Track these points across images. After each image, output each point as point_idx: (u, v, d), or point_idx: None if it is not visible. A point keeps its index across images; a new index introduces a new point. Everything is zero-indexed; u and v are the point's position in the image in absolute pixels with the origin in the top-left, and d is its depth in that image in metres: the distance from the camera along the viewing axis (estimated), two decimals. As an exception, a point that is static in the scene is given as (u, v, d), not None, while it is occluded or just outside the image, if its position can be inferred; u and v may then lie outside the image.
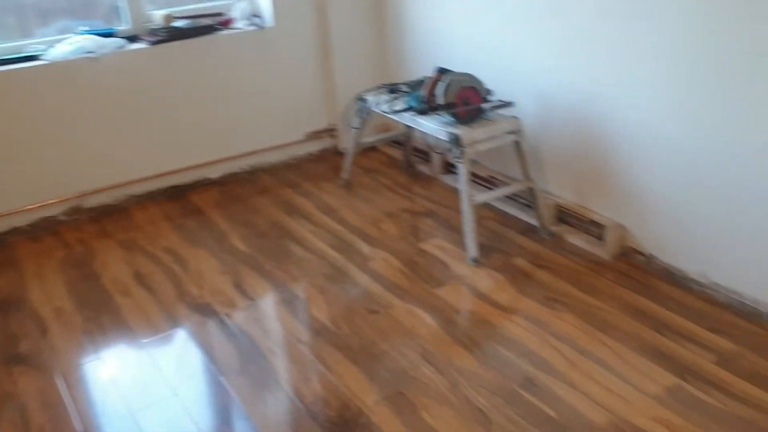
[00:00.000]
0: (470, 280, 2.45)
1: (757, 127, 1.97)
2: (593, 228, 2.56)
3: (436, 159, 3.20)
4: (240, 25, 3.27)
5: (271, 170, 3.43)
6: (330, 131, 3.55)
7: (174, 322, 2.30)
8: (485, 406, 1.87)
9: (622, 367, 1.97)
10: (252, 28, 3.25)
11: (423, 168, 3.31)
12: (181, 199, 3.18)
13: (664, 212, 2.32)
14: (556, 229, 2.68)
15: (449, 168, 3.16)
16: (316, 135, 3.52)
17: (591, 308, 2.24)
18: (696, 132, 2.14)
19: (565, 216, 2.68)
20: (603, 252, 2.50)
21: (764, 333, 2.06)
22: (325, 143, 3.57)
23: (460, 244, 2.63)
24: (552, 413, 1.83)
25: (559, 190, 2.72)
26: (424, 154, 3.30)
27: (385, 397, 1.92)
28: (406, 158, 3.34)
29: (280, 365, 2.08)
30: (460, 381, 1.96)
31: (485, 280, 2.44)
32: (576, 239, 2.61)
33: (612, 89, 2.36)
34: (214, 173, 3.31)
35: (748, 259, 2.11)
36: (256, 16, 3.32)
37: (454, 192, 2.94)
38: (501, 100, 2.59)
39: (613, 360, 2.00)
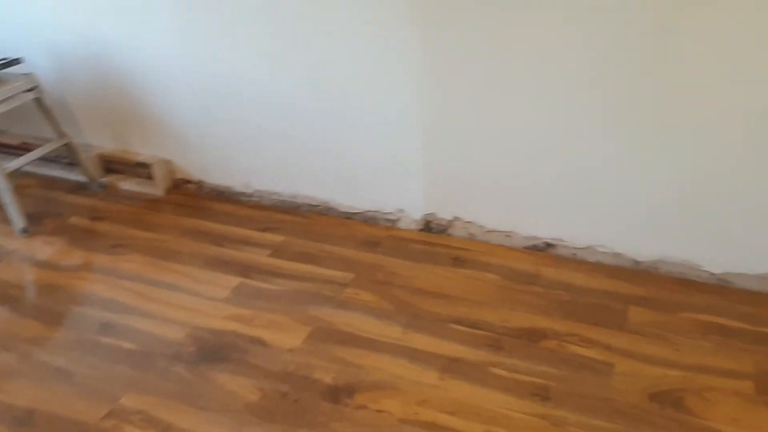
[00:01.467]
0: (25, 251, 2.29)
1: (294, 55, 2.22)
2: (141, 170, 2.60)
3: (-47, 138, 2.84)
4: None
5: None
6: None
7: None
8: (64, 363, 1.81)
9: (192, 284, 2.09)
10: None
11: (-59, 151, 2.91)
12: None
13: (200, 139, 2.47)
14: (106, 179, 2.65)
15: (-27, 144, 2.84)
16: None
17: (155, 243, 2.30)
18: (206, 60, 2.31)
19: (112, 165, 2.66)
20: (156, 189, 2.57)
21: (303, 220, 2.40)
22: None
23: (5, 219, 2.42)
24: (132, 346, 1.86)
25: (99, 140, 2.67)
26: (-62, 136, 2.89)
27: (-55, 395, 1.72)
28: None
29: None
30: (32, 350, 1.86)
31: (42, 247, 2.31)
32: (128, 184, 2.62)
33: (123, 32, 2.37)
34: None
35: (265, 161, 2.40)
36: None
37: (-15, 168, 2.67)
38: (6, 58, 2.40)
39: (183, 281, 2.11)
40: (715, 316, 1.89)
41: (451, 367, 1.76)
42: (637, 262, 2.07)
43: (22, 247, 2.31)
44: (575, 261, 2.13)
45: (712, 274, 1.99)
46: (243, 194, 2.51)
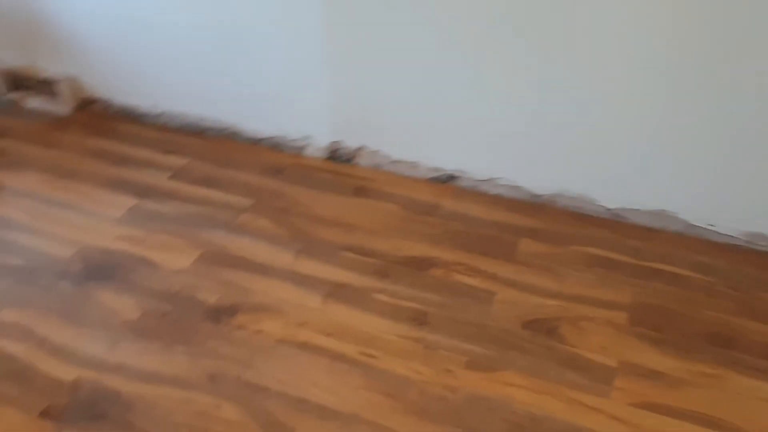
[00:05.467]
0: None
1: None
2: (47, 87, 2.51)
3: None
4: None
5: None
6: None
7: None
8: (-57, 277, 1.78)
9: (86, 204, 2.05)
10: None
11: None
12: None
13: (109, 57, 2.38)
14: (11, 96, 2.55)
15: None
16: None
17: (54, 161, 2.24)
18: (110, -30, 2.21)
19: (18, 81, 2.56)
20: (61, 107, 2.49)
21: (209, 144, 2.36)
22: None
23: None
24: (18, 262, 1.83)
25: (3, 55, 2.56)
26: None
27: None
28: None
29: None
30: None
31: (-64, 162, 2.24)
32: (33, 102, 2.53)
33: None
34: None
35: (173, 82, 2.33)
36: None
37: None
38: None
39: (78, 200, 2.07)
40: (604, 249, 1.93)
41: (335, 292, 1.77)
42: (536, 196, 2.08)
43: None
44: (475, 193, 2.14)
45: (608, 209, 2.02)
46: (149, 115, 2.44)
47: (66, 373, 1.52)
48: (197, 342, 1.61)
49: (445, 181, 2.17)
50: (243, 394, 1.49)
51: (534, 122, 1.96)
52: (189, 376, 1.53)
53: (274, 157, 2.29)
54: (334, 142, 2.24)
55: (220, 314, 1.69)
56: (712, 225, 1.93)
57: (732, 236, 1.91)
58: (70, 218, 1.99)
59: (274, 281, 1.80)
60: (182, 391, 1.49)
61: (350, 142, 2.22)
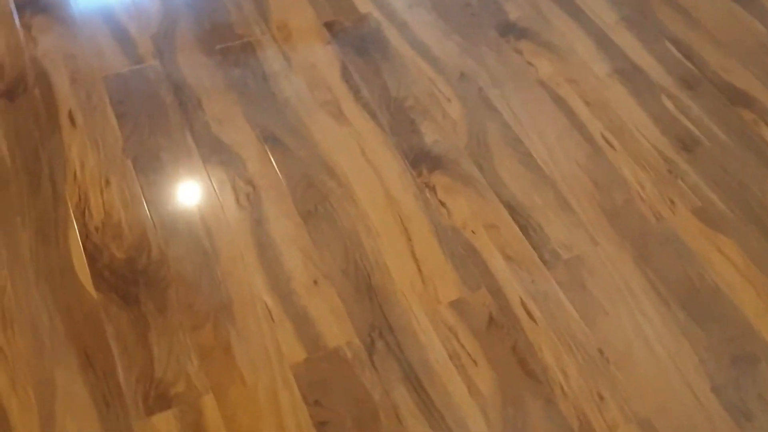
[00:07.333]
0: None
1: None
2: None
3: None
4: None
5: None
6: None
7: None
8: None
9: None
10: None
11: None
12: None
13: None
14: None
15: None
16: None
17: None
18: None
19: None
20: None
21: None
22: None
23: None
24: None
25: None
26: None
27: None
28: None
29: None
30: None
31: None
32: None
33: None
34: None
35: None
36: None
37: None
38: None
39: None
40: None
41: (626, 71, 1.61)
42: None
43: None
44: None
45: None
46: None
47: (363, 6, 1.68)
48: (473, 41, 1.63)
49: None
50: (475, 102, 1.52)
51: None
52: (446, 63, 1.58)
53: None
54: (752, -71, 1.85)
55: (510, 31, 1.67)
56: None
57: None
58: None
59: (579, 31, 1.68)
60: (433, 71, 1.57)
61: (769, -63, 1.82)
